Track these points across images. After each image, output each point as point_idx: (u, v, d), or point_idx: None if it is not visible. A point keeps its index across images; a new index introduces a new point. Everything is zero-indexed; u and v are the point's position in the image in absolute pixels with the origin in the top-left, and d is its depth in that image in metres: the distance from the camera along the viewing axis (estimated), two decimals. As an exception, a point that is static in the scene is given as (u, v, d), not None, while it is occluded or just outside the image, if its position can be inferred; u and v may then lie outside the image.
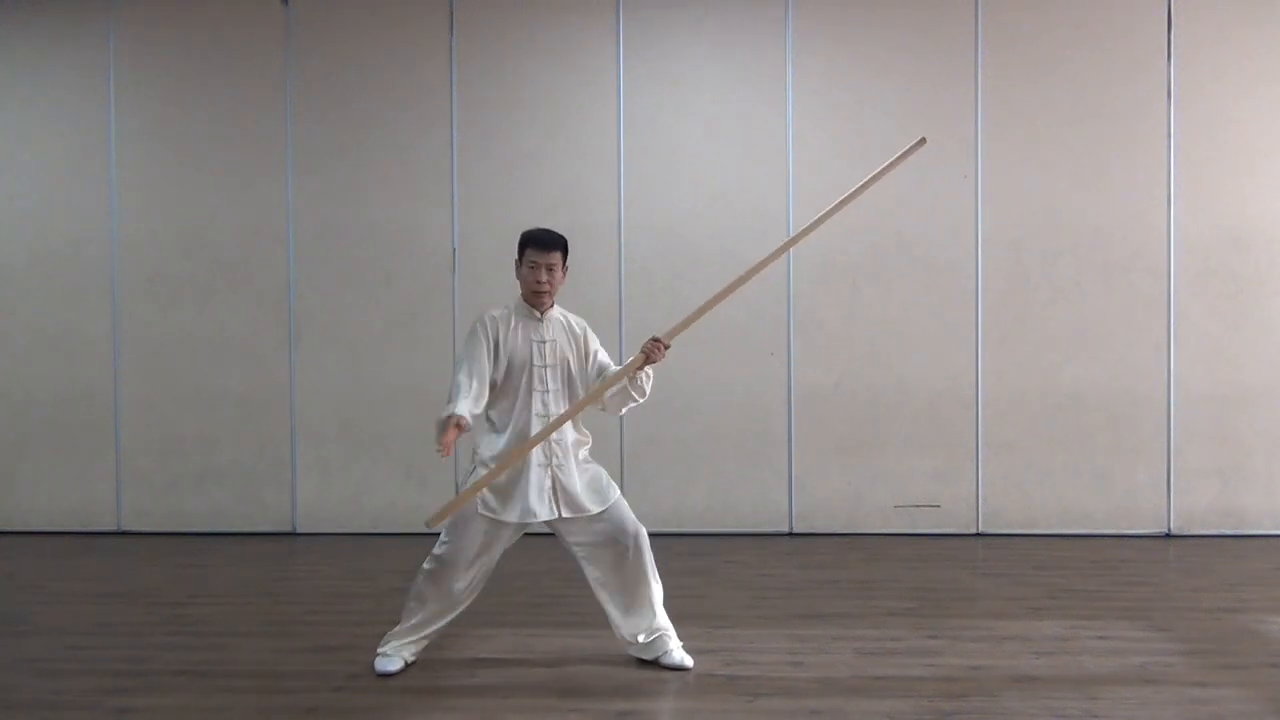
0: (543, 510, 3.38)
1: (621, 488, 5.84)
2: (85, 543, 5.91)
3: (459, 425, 3.21)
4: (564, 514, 3.41)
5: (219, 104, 6.09)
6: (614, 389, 3.46)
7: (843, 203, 3.55)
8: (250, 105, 6.07)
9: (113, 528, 6.14)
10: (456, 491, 3.53)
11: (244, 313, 6.08)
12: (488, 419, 3.48)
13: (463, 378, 3.35)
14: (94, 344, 6.14)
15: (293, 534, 6.05)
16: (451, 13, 6.01)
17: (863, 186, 3.54)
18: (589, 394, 3.47)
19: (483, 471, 3.38)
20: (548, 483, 3.41)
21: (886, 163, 3.55)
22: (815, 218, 3.58)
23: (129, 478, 6.13)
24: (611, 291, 5.93)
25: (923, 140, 3.59)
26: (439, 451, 3.19)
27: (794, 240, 3.71)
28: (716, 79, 5.96)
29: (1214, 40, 5.78)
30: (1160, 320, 5.81)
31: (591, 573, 3.49)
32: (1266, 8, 5.77)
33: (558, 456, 3.43)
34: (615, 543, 3.43)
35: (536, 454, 3.39)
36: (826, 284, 5.90)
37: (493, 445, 3.43)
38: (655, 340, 3.40)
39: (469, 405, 3.30)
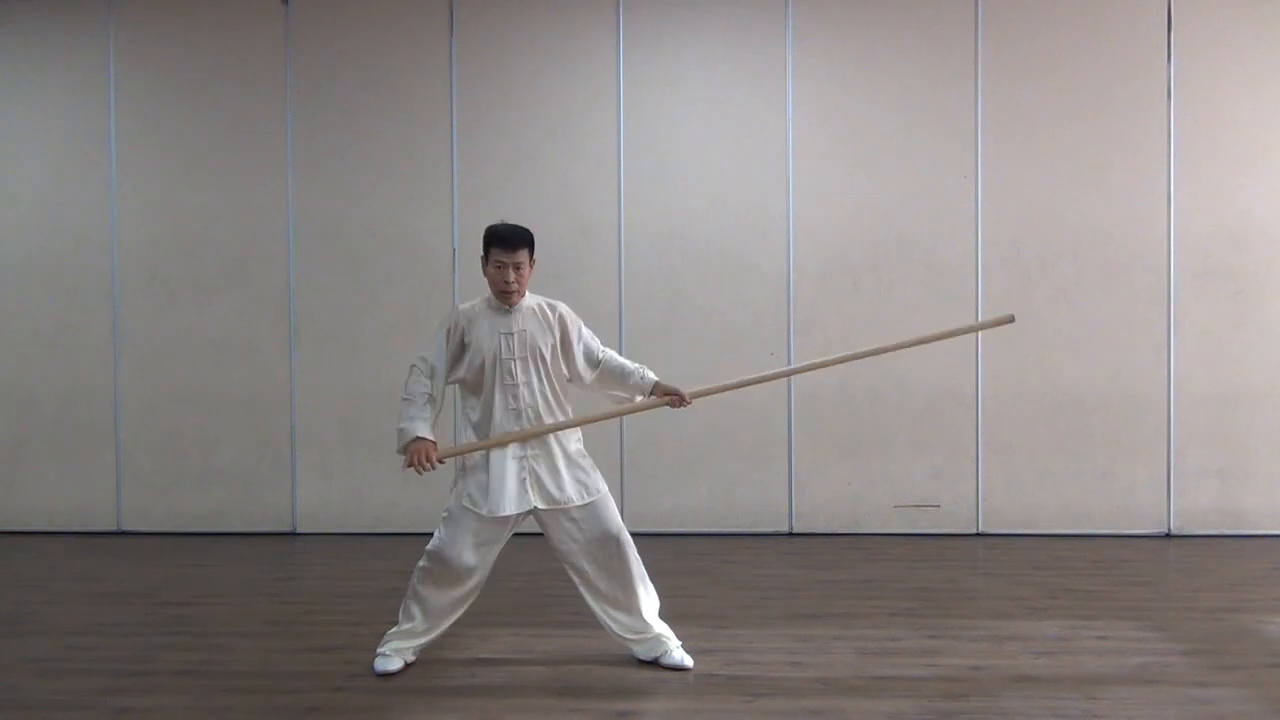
0: (515, 504, 3.33)
1: (621, 488, 5.95)
2: (85, 543, 5.91)
3: (428, 455, 3.28)
4: (540, 505, 3.36)
5: (219, 104, 6.09)
6: (621, 401, 3.61)
7: (901, 346, 3.90)
8: (250, 105, 6.07)
9: (113, 528, 6.13)
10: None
11: (244, 313, 6.08)
12: (465, 416, 3.46)
13: (422, 379, 3.38)
14: (94, 344, 6.14)
15: (293, 534, 6.05)
16: (451, 13, 6.01)
17: (928, 339, 3.91)
18: (602, 413, 3.61)
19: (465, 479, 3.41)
20: (523, 474, 3.36)
21: (967, 326, 3.92)
22: (876, 347, 3.90)
23: (129, 478, 6.13)
24: (611, 291, 5.93)
25: (1010, 318, 3.79)
26: (410, 470, 3.31)
27: (845, 358, 3.97)
28: (716, 79, 5.96)
29: (1214, 40, 5.78)
30: (1160, 320, 5.81)
31: (576, 577, 3.47)
32: (1266, 7, 5.77)
33: (532, 447, 3.39)
34: (598, 546, 3.39)
35: (511, 447, 3.36)
36: (827, 284, 5.90)
37: (470, 441, 3.43)
38: (681, 396, 3.47)
39: (427, 424, 3.34)
